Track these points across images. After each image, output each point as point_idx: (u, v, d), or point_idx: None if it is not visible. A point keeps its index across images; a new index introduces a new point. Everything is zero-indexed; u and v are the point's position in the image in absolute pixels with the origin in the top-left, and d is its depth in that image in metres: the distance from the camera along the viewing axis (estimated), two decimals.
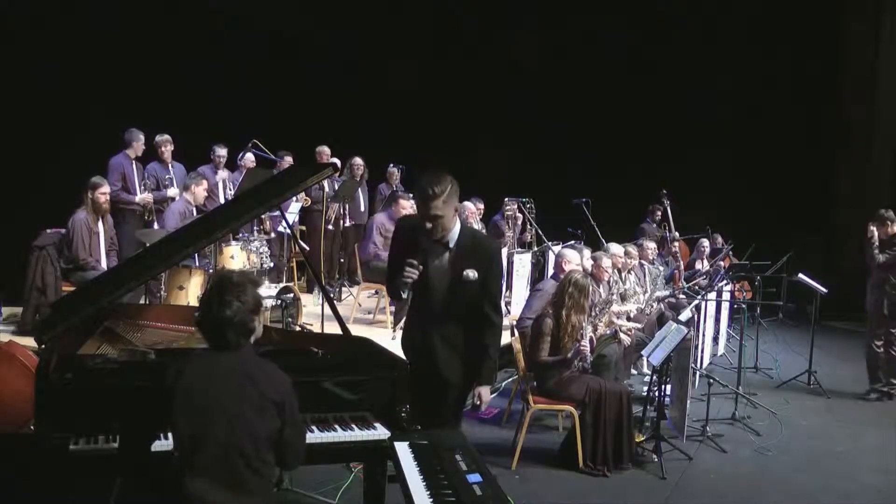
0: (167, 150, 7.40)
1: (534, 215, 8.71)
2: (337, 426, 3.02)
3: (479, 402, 3.53)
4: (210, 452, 2.30)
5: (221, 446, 2.30)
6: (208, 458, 2.30)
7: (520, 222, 9.15)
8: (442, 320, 3.40)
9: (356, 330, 3.78)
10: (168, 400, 2.38)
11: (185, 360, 2.51)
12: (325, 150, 8.69)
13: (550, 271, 7.12)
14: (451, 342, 3.42)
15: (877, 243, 6.46)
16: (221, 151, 7.88)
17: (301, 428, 2.54)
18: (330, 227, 8.51)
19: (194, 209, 6.38)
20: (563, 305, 4.71)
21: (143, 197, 6.98)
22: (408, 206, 7.17)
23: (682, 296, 7.60)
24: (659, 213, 10.05)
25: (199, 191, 6.39)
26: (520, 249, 8.33)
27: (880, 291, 6.54)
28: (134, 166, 7.05)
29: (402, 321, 3.76)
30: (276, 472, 2.56)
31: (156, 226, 6.71)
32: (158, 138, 7.38)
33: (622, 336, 5.75)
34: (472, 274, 3.32)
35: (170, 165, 7.39)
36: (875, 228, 6.50)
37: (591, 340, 4.82)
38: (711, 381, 5.95)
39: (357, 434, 3.01)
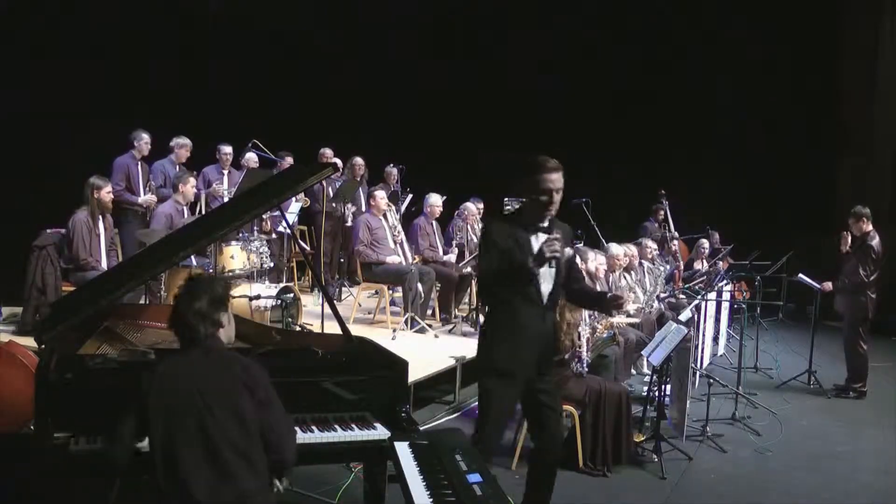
0: (185, 153, 7.42)
1: None
2: (337, 426, 3.03)
3: None
4: (199, 448, 2.32)
5: (208, 439, 2.33)
6: (198, 455, 2.31)
7: None
8: (546, 309, 3.32)
9: (356, 330, 3.78)
10: (144, 405, 2.41)
11: (157, 363, 2.57)
12: (328, 152, 8.69)
13: None
14: (546, 333, 3.36)
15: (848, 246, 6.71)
16: (227, 149, 7.88)
17: (282, 412, 2.53)
18: (349, 224, 8.48)
19: (184, 208, 6.36)
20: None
21: (146, 198, 6.98)
22: (382, 203, 7.26)
23: (681, 296, 7.60)
24: (662, 213, 10.07)
25: (188, 189, 6.37)
26: None
27: (862, 295, 6.62)
28: (139, 167, 7.05)
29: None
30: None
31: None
32: (179, 140, 7.40)
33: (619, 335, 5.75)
34: (569, 250, 3.32)
35: (176, 167, 7.39)
36: (845, 233, 6.73)
37: (586, 341, 4.83)
38: (711, 381, 5.95)
39: (357, 434, 3.01)
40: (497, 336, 3.31)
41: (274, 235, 7.78)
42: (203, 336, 2.50)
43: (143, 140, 7.07)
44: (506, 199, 8.89)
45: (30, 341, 4.22)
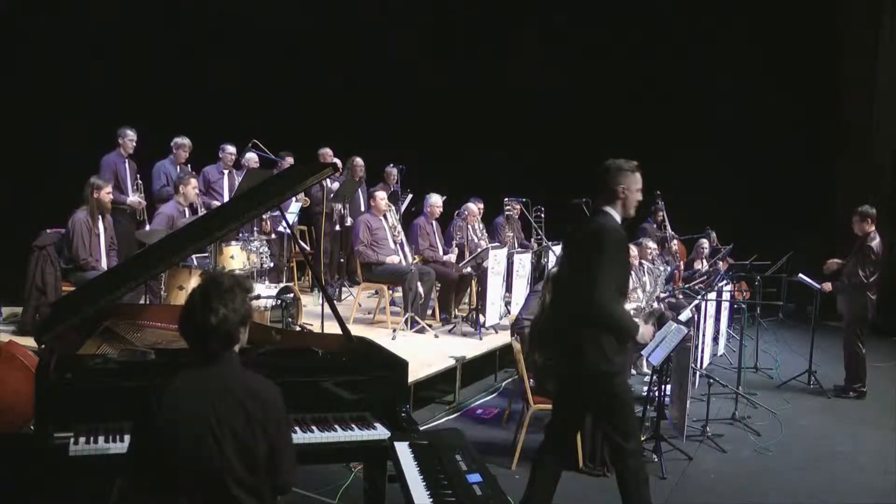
0: (184, 153, 7.41)
1: (541, 222, 8.72)
2: (337, 426, 3.02)
3: None
4: (202, 478, 2.11)
5: (213, 471, 2.11)
6: (201, 485, 2.11)
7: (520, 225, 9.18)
8: None
9: (356, 330, 3.78)
10: (150, 422, 2.16)
11: (168, 378, 2.25)
12: (328, 151, 8.69)
13: None
14: None
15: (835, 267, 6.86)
16: (231, 149, 7.87)
17: (291, 447, 2.31)
18: (338, 228, 8.53)
19: (186, 209, 6.37)
20: None
21: (133, 199, 6.98)
22: (382, 203, 7.28)
23: (681, 296, 7.60)
24: (661, 213, 10.06)
25: (189, 190, 6.37)
26: (520, 249, 8.33)
27: (862, 296, 6.61)
28: (126, 165, 7.04)
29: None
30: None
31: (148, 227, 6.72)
32: (178, 140, 7.40)
33: None
34: None
35: (177, 168, 7.38)
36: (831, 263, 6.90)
37: None
38: (711, 381, 5.95)
39: (357, 434, 3.01)
40: (613, 340, 3.50)
41: (274, 235, 7.79)
42: (215, 355, 2.20)
43: (128, 137, 7.04)
44: (506, 199, 8.91)
45: (30, 341, 4.22)
